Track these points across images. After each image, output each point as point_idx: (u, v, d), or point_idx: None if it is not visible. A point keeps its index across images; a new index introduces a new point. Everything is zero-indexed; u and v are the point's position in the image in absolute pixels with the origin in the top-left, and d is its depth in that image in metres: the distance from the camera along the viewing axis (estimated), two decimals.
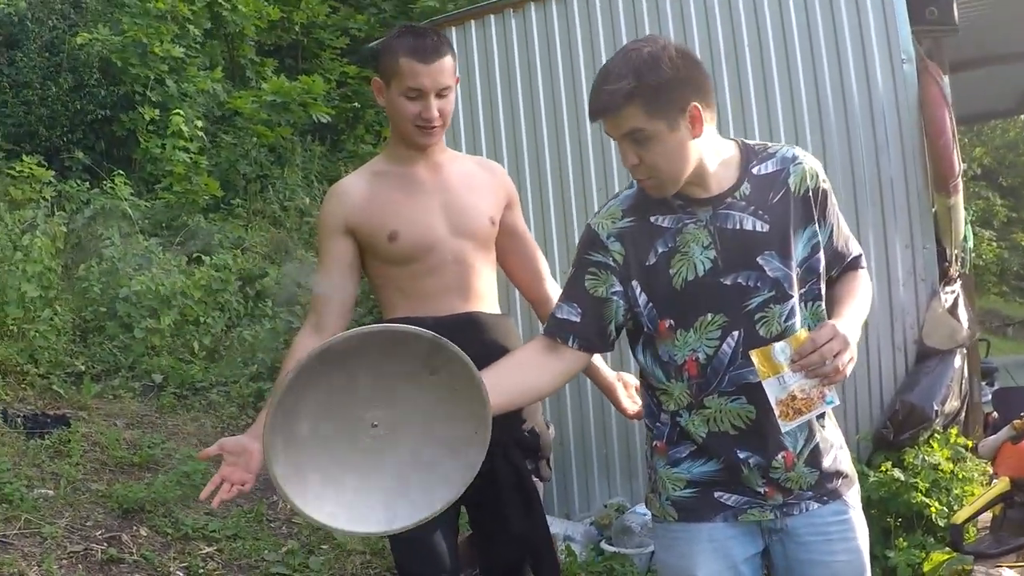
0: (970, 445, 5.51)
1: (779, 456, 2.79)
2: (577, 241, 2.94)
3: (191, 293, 9.12)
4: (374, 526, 2.67)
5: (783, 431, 2.76)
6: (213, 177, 11.79)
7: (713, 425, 2.80)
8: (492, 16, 6.67)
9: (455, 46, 6.52)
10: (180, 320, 9.02)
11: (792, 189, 2.83)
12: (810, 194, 2.84)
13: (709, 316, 2.76)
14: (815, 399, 2.75)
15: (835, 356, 2.67)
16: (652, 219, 2.80)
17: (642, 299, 2.82)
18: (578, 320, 2.84)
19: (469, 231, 3.54)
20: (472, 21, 6.74)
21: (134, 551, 5.71)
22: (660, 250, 2.78)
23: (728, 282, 2.75)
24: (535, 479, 3.60)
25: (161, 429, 7.61)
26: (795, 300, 2.79)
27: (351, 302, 3.61)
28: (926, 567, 4.63)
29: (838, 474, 2.91)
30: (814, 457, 2.83)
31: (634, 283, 2.81)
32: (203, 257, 10.28)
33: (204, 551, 5.87)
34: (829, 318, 2.85)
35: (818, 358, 2.67)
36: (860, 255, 3.08)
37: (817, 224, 2.85)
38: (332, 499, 2.63)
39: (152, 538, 5.92)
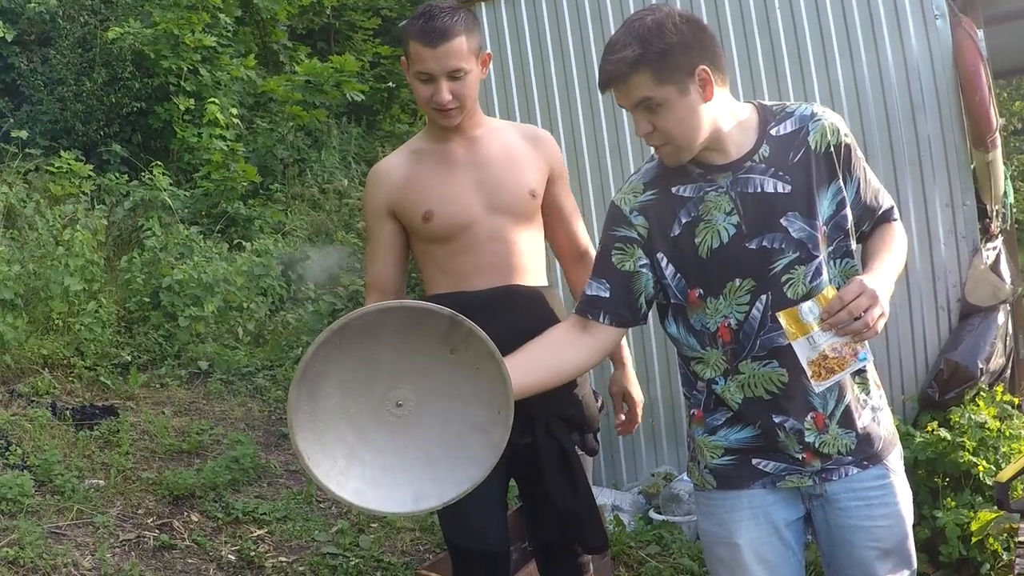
0: (1016, 402, 5.47)
1: (808, 417, 2.78)
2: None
3: (233, 279, 9.18)
4: (400, 505, 2.69)
5: (816, 391, 2.76)
6: (251, 163, 11.83)
7: (748, 391, 2.80)
8: None
9: (487, 23, 6.58)
10: (224, 307, 9.08)
11: (813, 147, 2.81)
12: (832, 150, 2.82)
13: (737, 282, 2.77)
14: (847, 357, 2.74)
15: (864, 312, 2.62)
16: (673, 190, 2.81)
17: (669, 270, 2.83)
18: (608, 296, 2.86)
19: (506, 207, 3.51)
20: None
21: (186, 537, 5.77)
22: (683, 220, 2.78)
23: (753, 246, 2.75)
24: (581, 452, 3.58)
25: (209, 415, 7.67)
26: (821, 259, 2.77)
27: (403, 282, 3.67)
28: (974, 526, 4.61)
29: (877, 437, 2.89)
30: (847, 417, 2.82)
31: (659, 255, 2.82)
32: (244, 243, 10.33)
33: (255, 534, 5.91)
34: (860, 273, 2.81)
35: (846, 315, 2.64)
36: (892, 207, 3.04)
37: (842, 180, 2.83)
38: (357, 476, 2.66)
39: (203, 523, 5.97)
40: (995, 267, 5.84)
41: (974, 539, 4.69)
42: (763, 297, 2.75)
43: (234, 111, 12.18)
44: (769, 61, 6.10)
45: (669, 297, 2.86)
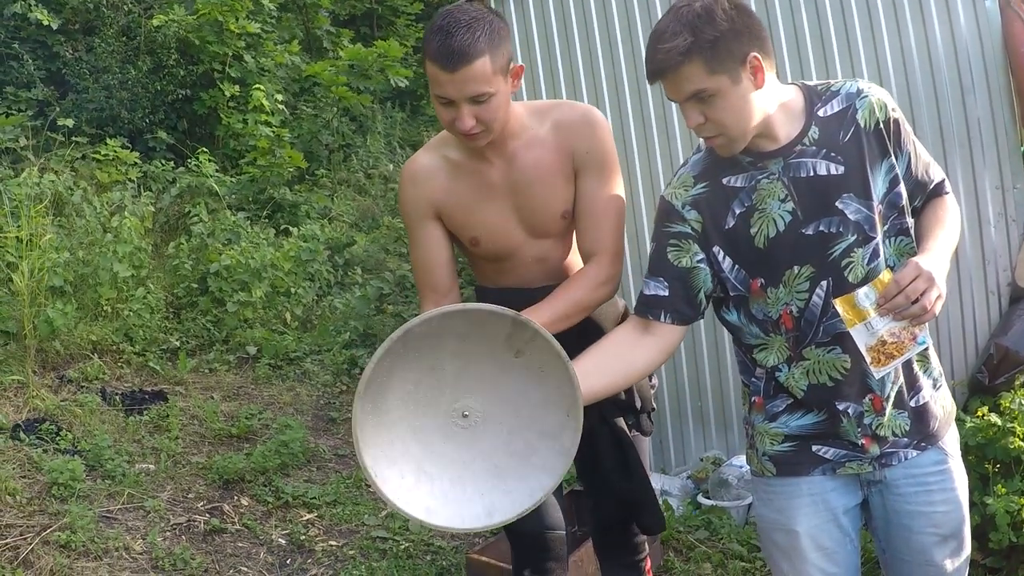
0: None
1: (867, 399, 2.77)
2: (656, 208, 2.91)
3: (281, 265, 9.23)
4: (473, 521, 2.63)
5: (876, 377, 2.73)
6: (296, 149, 11.89)
7: (813, 377, 2.78)
8: None
9: (525, 13, 6.57)
10: (271, 292, 9.14)
11: (863, 124, 2.74)
12: (882, 126, 2.75)
13: (796, 269, 2.73)
14: (906, 341, 2.71)
15: (921, 295, 2.57)
16: (725, 181, 2.76)
17: (727, 263, 2.79)
18: (667, 294, 2.82)
19: (546, 231, 3.39)
20: None
21: (236, 521, 5.81)
22: (737, 211, 2.74)
23: (810, 232, 2.71)
24: (636, 434, 3.58)
25: (257, 400, 7.72)
26: (878, 240, 2.73)
27: (456, 283, 3.47)
28: None
29: (933, 416, 2.87)
30: (901, 398, 2.81)
31: (715, 248, 2.78)
32: (291, 228, 10.38)
33: (305, 518, 5.95)
34: (916, 252, 2.77)
35: (903, 300, 2.59)
36: (943, 180, 2.95)
37: (893, 156, 2.77)
38: (426, 492, 2.61)
39: (253, 507, 6.01)
40: None
41: None
42: (823, 283, 2.71)
43: (279, 97, 12.23)
44: (816, 40, 6.05)
45: (728, 290, 2.83)
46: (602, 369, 2.79)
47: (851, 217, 2.70)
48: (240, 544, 5.62)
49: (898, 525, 2.89)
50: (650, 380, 3.65)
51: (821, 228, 2.70)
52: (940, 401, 2.91)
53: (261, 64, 12.60)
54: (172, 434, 6.68)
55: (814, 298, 2.73)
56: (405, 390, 2.59)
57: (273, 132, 11.67)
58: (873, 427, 2.79)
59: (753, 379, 2.92)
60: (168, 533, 5.59)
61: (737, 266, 2.79)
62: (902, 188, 2.79)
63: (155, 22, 12.17)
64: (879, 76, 5.85)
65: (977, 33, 5.69)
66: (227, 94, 12.02)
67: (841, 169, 2.71)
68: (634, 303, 2.97)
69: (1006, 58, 5.61)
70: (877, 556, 3.06)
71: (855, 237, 2.70)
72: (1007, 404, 5.12)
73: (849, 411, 2.78)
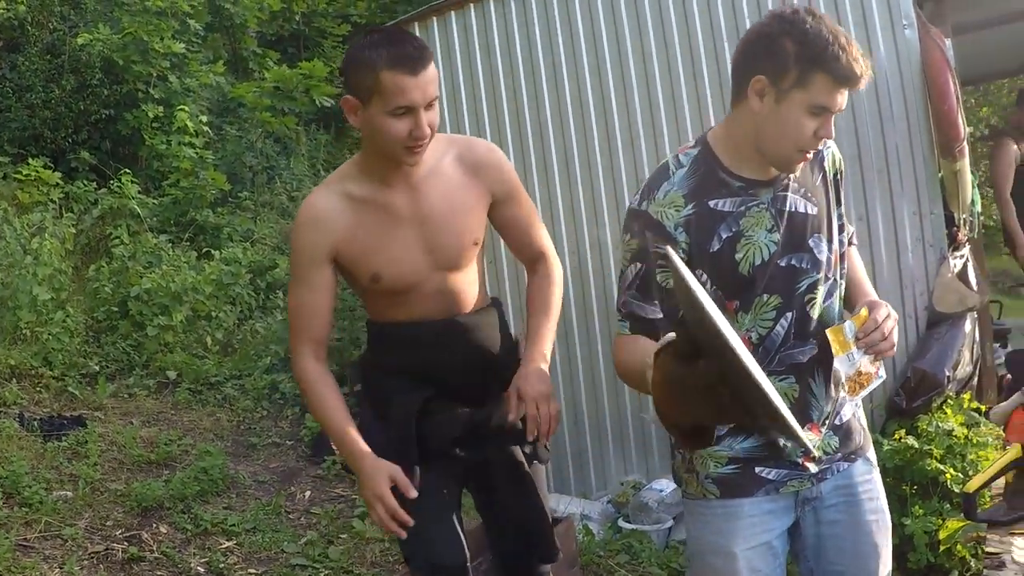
0: (983, 409, 5.50)
1: (807, 426, 2.83)
2: (622, 224, 2.87)
3: (202, 288, 9.17)
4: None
5: (825, 404, 2.85)
6: (219, 171, 11.81)
7: None
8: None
9: (452, 33, 6.60)
10: (192, 316, 9.08)
11: (828, 171, 2.89)
12: (838, 176, 2.92)
13: (765, 297, 2.78)
14: (872, 374, 2.81)
15: (889, 333, 2.72)
16: (712, 204, 2.75)
17: (706, 286, 2.77)
18: (662, 316, 2.76)
19: (451, 262, 3.37)
20: (472, 5, 6.69)
21: (154, 548, 5.74)
22: (724, 235, 2.74)
23: (783, 264, 2.77)
24: (535, 462, 3.56)
25: (177, 425, 7.64)
26: (836, 280, 2.86)
27: (330, 329, 3.47)
28: (942, 534, 4.63)
29: (858, 431, 2.99)
30: (829, 419, 2.90)
31: (699, 271, 2.75)
32: (213, 251, 10.31)
33: (224, 545, 5.89)
34: (848, 296, 2.95)
35: (879, 335, 2.71)
36: (854, 231, 3.13)
37: (842, 205, 2.92)
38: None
39: (172, 535, 5.94)
40: (962, 275, 5.87)
41: (942, 547, 4.71)
42: (788, 314, 2.79)
43: (203, 118, 12.13)
44: (713, 72, 6.12)
45: None
46: None
47: (819, 256, 2.81)
48: (159, 573, 5.55)
49: (831, 536, 2.96)
50: None
51: (792, 262, 2.78)
52: (859, 417, 3.01)
53: (186, 84, 12.51)
54: (91, 460, 6.57)
55: (777, 327, 2.79)
56: None
57: (196, 153, 11.57)
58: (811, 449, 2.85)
59: None
60: (86, 562, 5.51)
61: (716, 288, 2.78)
62: (844, 236, 2.94)
63: (80, 41, 12.06)
64: None
65: (896, 61, 5.78)
66: (151, 115, 11.91)
67: (815, 210, 2.82)
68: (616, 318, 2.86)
69: (925, 86, 5.69)
70: None
71: (819, 275, 2.81)
72: (924, 427, 5.20)
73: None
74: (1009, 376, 7.17)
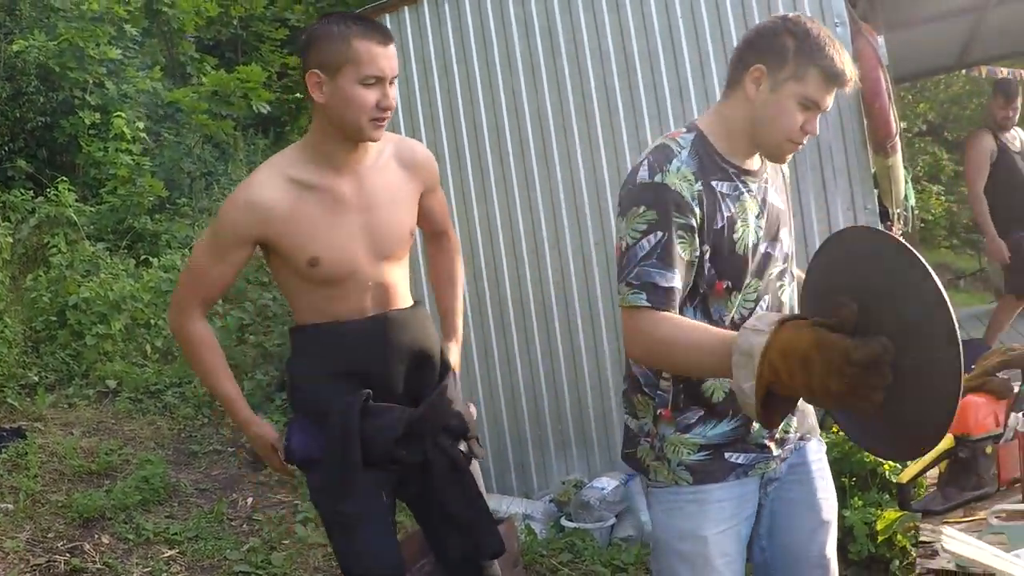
0: None
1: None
2: (618, 203, 2.85)
3: (141, 296, 9.11)
4: None
5: None
6: (157, 177, 11.71)
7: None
8: (426, 1, 6.64)
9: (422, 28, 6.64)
10: (131, 324, 9.02)
11: (785, 172, 3.08)
12: (787, 179, 3.09)
13: (752, 281, 2.87)
14: None
15: None
16: (714, 184, 2.80)
17: (707, 262, 2.82)
18: (679, 287, 2.76)
19: (390, 252, 3.44)
20: (406, 7, 6.71)
21: (97, 560, 5.70)
22: (725, 215, 2.80)
23: (763, 250, 2.89)
24: (471, 459, 3.61)
25: (118, 435, 7.58)
26: (791, 272, 3.02)
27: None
28: (879, 525, 4.67)
29: (807, 411, 3.10)
30: None
31: (705, 247, 2.80)
32: (151, 259, 10.24)
33: (166, 555, 5.86)
34: None
35: None
36: None
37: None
38: None
39: (114, 545, 5.90)
40: None
41: (880, 537, 4.75)
42: (765, 299, 2.91)
43: (140, 124, 12.03)
44: (672, 72, 6.15)
45: (697, 286, 2.85)
46: None
47: (786, 248, 2.97)
48: None
49: (784, 514, 3.06)
50: (469, 406, 3.73)
51: (769, 250, 2.91)
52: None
53: (123, 91, 12.42)
54: (31, 472, 6.52)
55: (757, 310, 2.89)
56: None
57: (134, 160, 11.49)
58: (776, 431, 2.95)
59: (658, 392, 2.94)
60: (28, 574, 5.46)
61: (711, 266, 2.82)
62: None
63: (15, 47, 11.95)
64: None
65: None
66: (88, 122, 11.81)
67: (783, 205, 2.99)
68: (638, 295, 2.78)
69: (857, 83, 5.74)
70: (753, 562, 3.14)
71: (785, 265, 2.97)
72: None
73: None
74: None
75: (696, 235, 2.76)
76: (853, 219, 5.81)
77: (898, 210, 6.20)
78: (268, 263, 3.48)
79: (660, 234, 2.70)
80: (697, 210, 2.75)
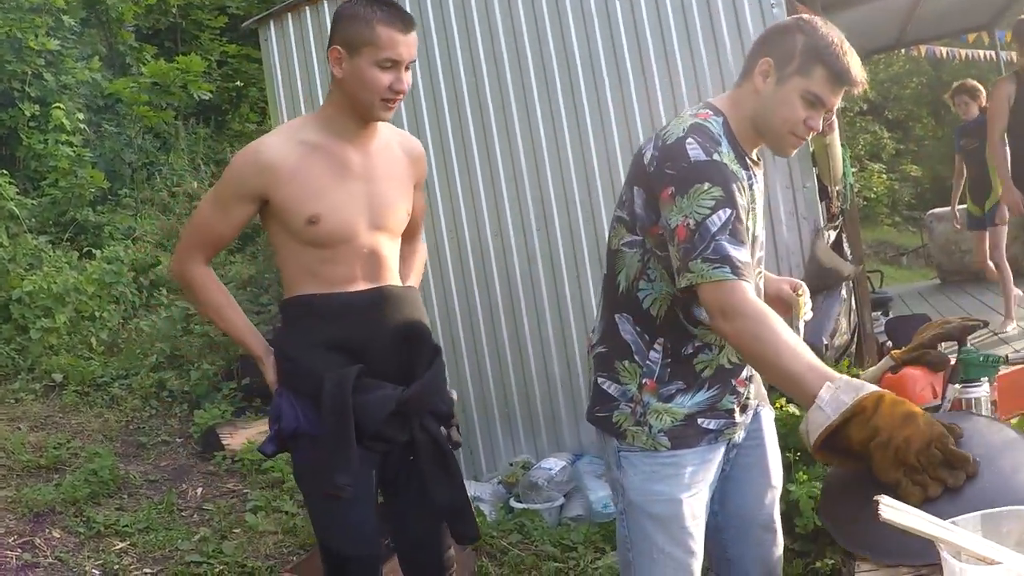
0: (859, 374, 5.62)
1: (741, 377, 3.05)
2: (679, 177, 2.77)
3: (85, 288, 9.06)
4: None
5: None
6: (98, 168, 11.63)
7: (725, 359, 2.99)
8: None
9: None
10: (76, 317, 8.97)
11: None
12: None
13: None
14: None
15: None
16: (734, 169, 2.83)
17: None
18: (752, 263, 2.84)
19: (386, 226, 3.54)
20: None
21: (48, 554, 5.68)
22: (747, 198, 2.85)
23: (760, 239, 3.02)
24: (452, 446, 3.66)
25: (65, 428, 7.55)
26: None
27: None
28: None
29: (759, 381, 3.19)
30: (751, 372, 3.11)
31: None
32: (94, 251, 10.18)
33: (118, 547, 5.85)
34: None
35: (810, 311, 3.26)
36: None
37: None
38: None
39: (65, 539, 5.89)
40: (837, 246, 6.00)
41: None
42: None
43: (80, 116, 11.94)
44: (610, 54, 6.19)
45: None
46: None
47: (759, 236, 3.02)
48: None
49: (740, 479, 3.18)
50: (450, 392, 3.77)
51: (757, 235, 2.98)
52: None
53: (62, 82, 12.29)
54: None
55: None
56: None
57: (74, 152, 11.40)
58: (743, 398, 3.07)
59: (648, 362, 2.99)
60: None
61: None
62: None
63: None
64: (671, 85, 6.01)
65: None
66: (27, 113, 11.68)
67: (763, 198, 3.06)
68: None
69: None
70: (706, 524, 3.17)
71: (762, 252, 3.07)
72: None
73: (737, 388, 3.03)
74: (890, 343, 7.35)
75: (747, 215, 2.82)
76: (792, 198, 5.88)
77: (837, 188, 6.28)
78: (266, 228, 3.56)
79: (729, 211, 2.70)
80: (745, 193, 2.82)
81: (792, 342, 2.62)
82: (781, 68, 2.81)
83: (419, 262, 3.99)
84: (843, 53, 2.79)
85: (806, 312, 3.25)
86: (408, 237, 3.85)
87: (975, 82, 9.24)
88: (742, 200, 2.75)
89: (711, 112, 2.90)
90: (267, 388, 3.55)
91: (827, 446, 2.48)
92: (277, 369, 3.53)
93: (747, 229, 2.78)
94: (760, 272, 3.06)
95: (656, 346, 2.97)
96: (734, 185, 2.73)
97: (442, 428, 3.61)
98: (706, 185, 2.70)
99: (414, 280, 3.89)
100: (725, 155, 2.77)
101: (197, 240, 3.56)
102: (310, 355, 3.45)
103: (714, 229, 2.67)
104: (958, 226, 10.01)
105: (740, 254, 2.68)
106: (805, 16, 2.90)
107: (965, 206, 9.10)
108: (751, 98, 2.87)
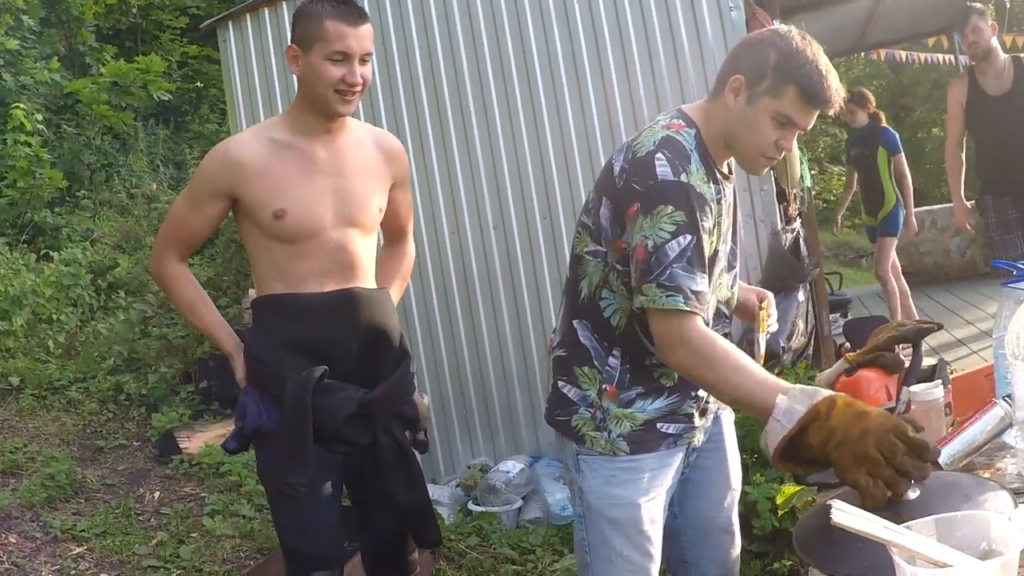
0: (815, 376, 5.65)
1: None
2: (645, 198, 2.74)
3: (42, 291, 9.00)
4: None
5: None
6: (57, 169, 11.56)
7: None
8: None
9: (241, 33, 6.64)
10: (33, 319, 8.90)
11: None
12: None
13: (720, 277, 2.99)
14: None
15: None
16: (703, 191, 2.79)
17: None
18: (707, 290, 2.78)
19: (355, 220, 3.57)
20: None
21: (4, 559, 5.64)
22: (713, 215, 2.82)
23: (724, 249, 2.97)
24: (413, 449, 3.69)
25: (22, 432, 7.48)
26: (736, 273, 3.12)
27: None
28: (779, 500, 4.75)
29: None
30: None
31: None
32: (52, 253, 10.11)
33: (75, 551, 5.82)
34: None
35: (774, 324, 3.32)
36: None
37: None
38: None
39: (21, 544, 5.84)
40: (794, 248, 6.03)
41: (781, 511, 4.83)
42: (715, 296, 2.97)
43: (39, 116, 11.86)
44: (568, 59, 6.20)
45: None
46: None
47: (735, 247, 3.08)
48: None
49: (699, 481, 3.22)
50: (423, 397, 3.80)
51: (719, 248, 2.94)
52: None
53: (20, 82, 12.21)
54: None
55: (718, 305, 3.03)
56: None
57: (33, 152, 11.32)
58: (702, 403, 3.08)
59: (607, 367, 3.00)
60: None
61: None
62: None
63: None
64: (629, 89, 6.04)
65: (724, 42, 5.92)
66: None
67: (732, 210, 3.05)
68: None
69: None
70: (665, 527, 3.18)
71: (736, 268, 3.11)
72: None
73: (697, 393, 3.03)
74: (848, 345, 7.39)
75: (711, 237, 2.80)
76: (750, 200, 5.91)
77: (794, 190, 6.30)
78: (238, 227, 3.66)
79: (689, 237, 2.68)
80: (711, 213, 2.78)
81: (741, 362, 2.62)
82: (752, 87, 2.75)
83: (403, 265, 4.02)
84: (817, 72, 2.71)
85: (770, 324, 3.30)
86: (392, 239, 4.00)
87: (864, 89, 9.29)
88: (707, 222, 2.74)
89: (684, 123, 2.86)
90: (225, 392, 3.60)
91: (787, 456, 2.47)
92: (246, 368, 3.55)
93: (711, 247, 2.79)
94: (733, 287, 3.11)
95: (615, 352, 2.99)
96: (699, 211, 2.70)
97: (407, 432, 3.65)
98: (670, 208, 2.69)
99: (398, 284, 3.95)
100: (694, 174, 2.74)
101: (172, 238, 3.66)
102: (276, 356, 3.49)
103: (672, 255, 2.67)
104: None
105: (694, 284, 2.68)
106: (782, 29, 2.83)
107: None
108: (722, 114, 2.83)
